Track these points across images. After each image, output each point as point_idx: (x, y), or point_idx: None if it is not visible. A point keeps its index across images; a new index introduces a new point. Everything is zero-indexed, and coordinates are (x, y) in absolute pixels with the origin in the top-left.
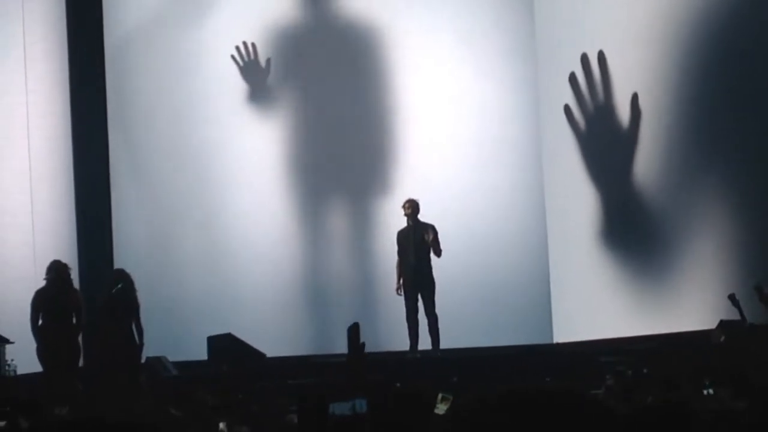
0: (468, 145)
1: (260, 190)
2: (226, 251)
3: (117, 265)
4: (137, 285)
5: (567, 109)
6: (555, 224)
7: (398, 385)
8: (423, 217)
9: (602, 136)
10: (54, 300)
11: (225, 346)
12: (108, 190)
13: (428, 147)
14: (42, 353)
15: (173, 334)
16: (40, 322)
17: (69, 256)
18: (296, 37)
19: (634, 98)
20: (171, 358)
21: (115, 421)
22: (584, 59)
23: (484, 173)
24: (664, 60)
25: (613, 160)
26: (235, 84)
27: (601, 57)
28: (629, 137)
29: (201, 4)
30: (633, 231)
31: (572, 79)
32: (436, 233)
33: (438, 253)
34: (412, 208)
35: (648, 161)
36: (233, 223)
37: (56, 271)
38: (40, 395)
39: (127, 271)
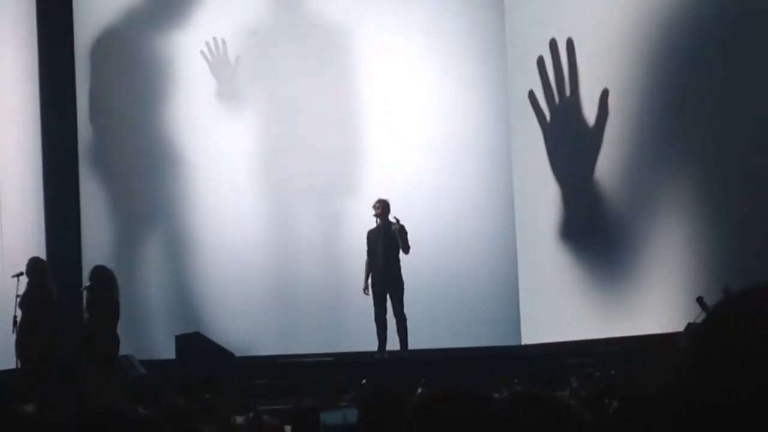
0: (437, 146)
1: (228, 190)
2: (194, 250)
3: (85, 263)
4: None
5: (531, 96)
6: (524, 226)
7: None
8: (392, 218)
9: (570, 136)
10: (31, 296)
11: (193, 345)
12: (77, 188)
13: (398, 148)
14: (20, 349)
15: (141, 332)
16: (21, 317)
17: (38, 254)
18: (266, 38)
19: (603, 95)
20: (138, 357)
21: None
22: (552, 45)
23: (453, 175)
24: (634, 61)
25: (581, 162)
26: (203, 84)
27: (570, 46)
28: (597, 138)
29: (170, 5)
30: (602, 233)
31: (540, 63)
32: (405, 232)
33: (406, 249)
34: (382, 208)
35: (616, 163)
36: (201, 222)
37: (32, 266)
38: (11, 392)
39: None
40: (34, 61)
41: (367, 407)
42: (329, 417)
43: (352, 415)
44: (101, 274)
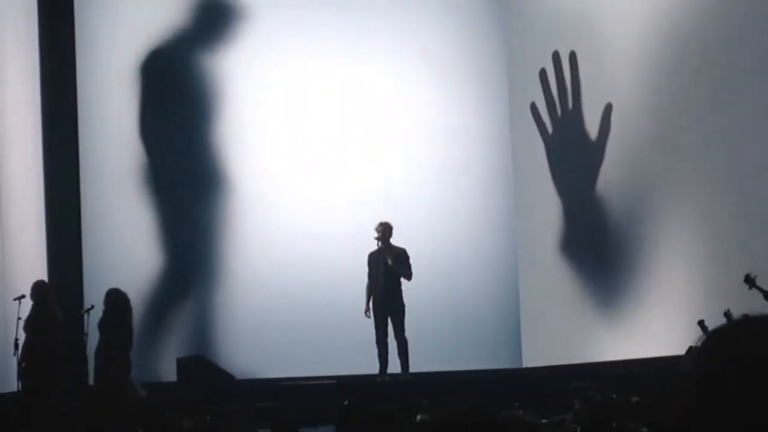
0: (438, 169)
1: (229, 213)
2: (194, 273)
3: (87, 286)
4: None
5: (533, 108)
6: (524, 248)
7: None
8: (393, 239)
9: (571, 150)
10: (36, 320)
11: (194, 368)
12: (79, 210)
13: (399, 170)
14: (23, 372)
15: (142, 354)
16: (24, 340)
17: (39, 277)
18: (265, 62)
19: (606, 110)
20: (140, 379)
21: None
22: (555, 58)
23: (454, 197)
24: (637, 76)
25: (584, 184)
26: (202, 105)
27: (573, 58)
28: (599, 153)
29: (173, 23)
30: (603, 256)
31: (542, 75)
32: (407, 257)
33: (407, 276)
34: (383, 231)
35: (619, 185)
36: (202, 244)
37: (36, 291)
38: (11, 414)
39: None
40: (36, 82)
41: (347, 426)
42: None
43: None
44: (117, 298)
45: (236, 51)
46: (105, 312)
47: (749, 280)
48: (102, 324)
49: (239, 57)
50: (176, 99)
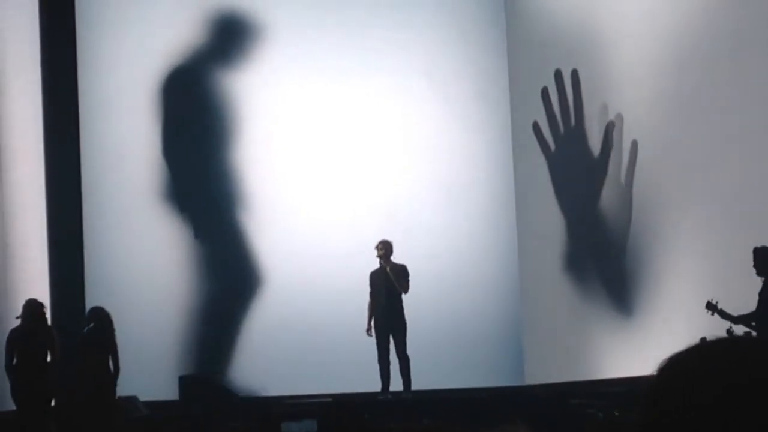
0: (440, 186)
1: (231, 232)
2: (196, 290)
3: (89, 303)
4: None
5: (536, 127)
6: (527, 266)
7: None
8: (394, 257)
9: (574, 176)
10: (28, 338)
11: (197, 386)
12: (80, 228)
13: (400, 189)
14: (15, 392)
15: (145, 373)
16: (14, 360)
17: (40, 294)
18: (263, 79)
19: (609, 127)
20: (142, 398)
21: None
22: (557, 76)
23: (456, 214)
24: (639, 96)
25: (586, 201)
26: (203, 124)
27: (575, 77)
28: (602, 175)
29: (175, 39)
30: (606, 273)
31: (544, 94)
32: (407, 273)
33: (404, 288)
34: (384, 249)
35: (623, 201)
36: (204, 262)
37: (30, 309)
38: None
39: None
40: (38, 99)
41: (326, 420)
42: (290, 427)
43: (311, 426)
44: (102, 315)
45: (239, 71)
46: (91, 330)
47: (711, 307)
48: (88, 342)
49: (242, 76)
50: (175, 119)
